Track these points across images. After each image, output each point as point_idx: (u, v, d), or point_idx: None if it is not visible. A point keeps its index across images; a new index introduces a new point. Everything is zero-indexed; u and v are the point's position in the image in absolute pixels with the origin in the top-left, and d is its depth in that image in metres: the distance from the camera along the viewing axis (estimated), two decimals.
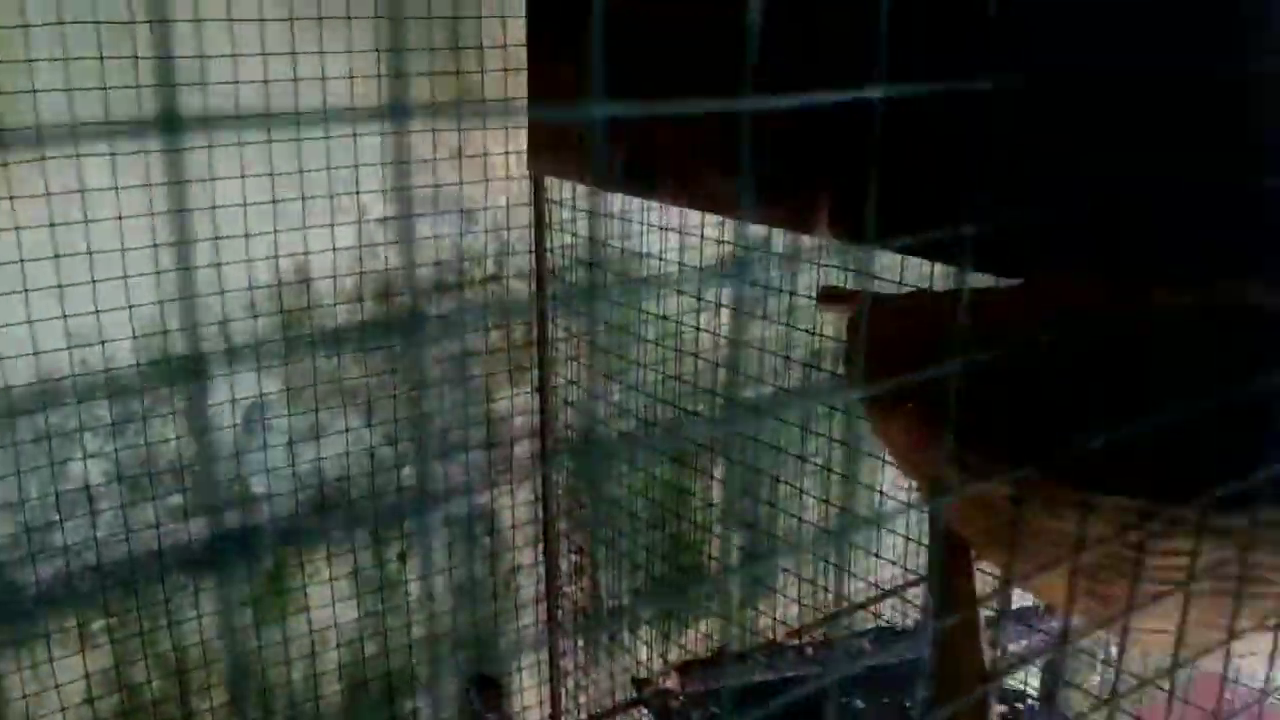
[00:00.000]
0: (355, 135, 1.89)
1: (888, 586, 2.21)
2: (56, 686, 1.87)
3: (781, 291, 2.16)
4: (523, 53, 1.98)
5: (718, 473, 2.55)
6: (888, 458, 0.87)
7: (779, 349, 2.19)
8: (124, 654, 1.93)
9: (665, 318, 2.16)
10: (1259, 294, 0.64)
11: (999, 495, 0.67)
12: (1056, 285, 0.97)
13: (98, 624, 1.91)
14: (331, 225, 1.93)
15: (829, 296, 1.40)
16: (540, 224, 2.05)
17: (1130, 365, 0.71)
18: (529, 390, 2.23)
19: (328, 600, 2.13)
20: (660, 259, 2.21)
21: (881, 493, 2.25)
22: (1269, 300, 0.60)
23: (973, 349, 0.55)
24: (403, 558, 2.18)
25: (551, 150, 1.97)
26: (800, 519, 2.26)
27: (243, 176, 1.82)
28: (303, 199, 1.88)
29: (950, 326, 0.48)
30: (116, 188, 1.72)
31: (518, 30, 1.97)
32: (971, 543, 0.74)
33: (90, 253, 1.72)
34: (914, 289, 1.44)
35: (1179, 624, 0.61)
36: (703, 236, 2.10)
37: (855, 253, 1.68)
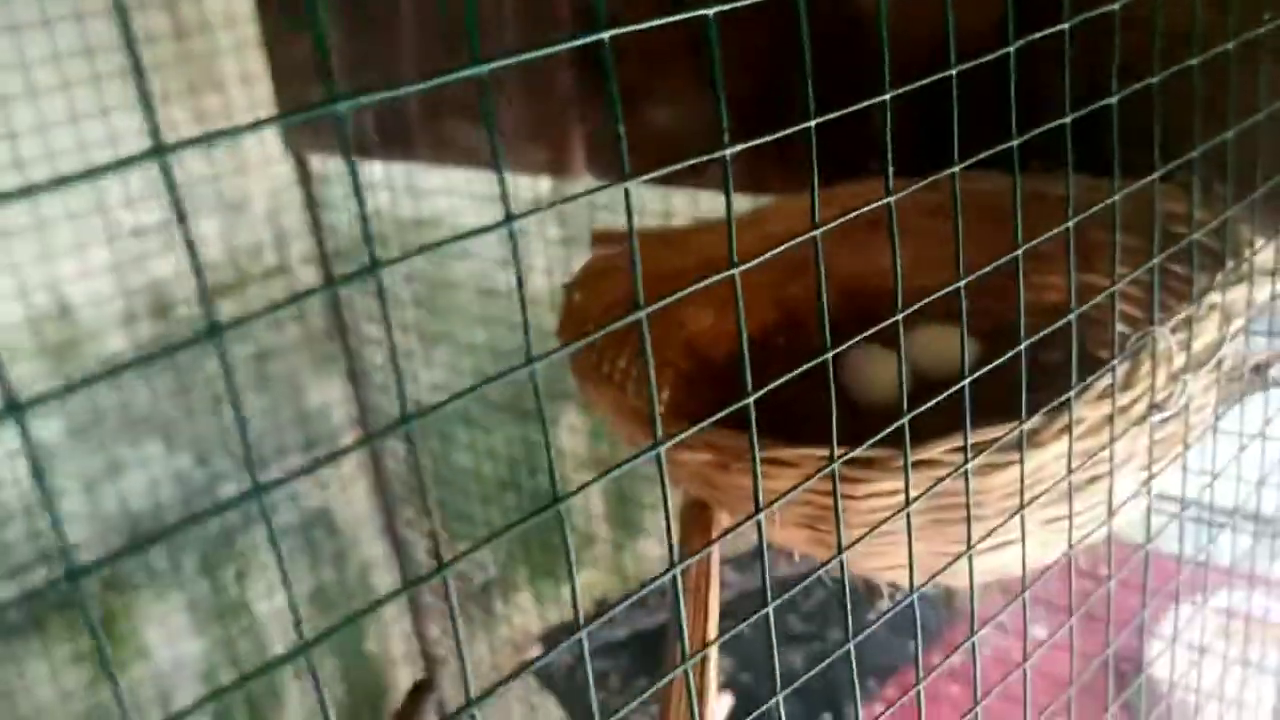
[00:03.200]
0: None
1: None
2: None
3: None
4: (253, 27, 1.84)
5: (565, 420, 2.47)
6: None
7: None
8: None
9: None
10: None
11: (701, 462, 0.60)
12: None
13: None
14: (81, 246, 1.77)
15: (602, 238, 1.32)
16: (313, 204, 1.92)
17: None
18: (341, 379, 2.11)
19: (167, 639, 2.00)
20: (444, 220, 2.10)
21: None
22: None
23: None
24: (239, 577, 2.06)
25: (307, 124, 1.84)
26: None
27: None
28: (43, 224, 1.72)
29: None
30: None
31: (245, 4, 1.83)
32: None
33: None
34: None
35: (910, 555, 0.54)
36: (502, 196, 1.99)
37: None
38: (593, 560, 2.63)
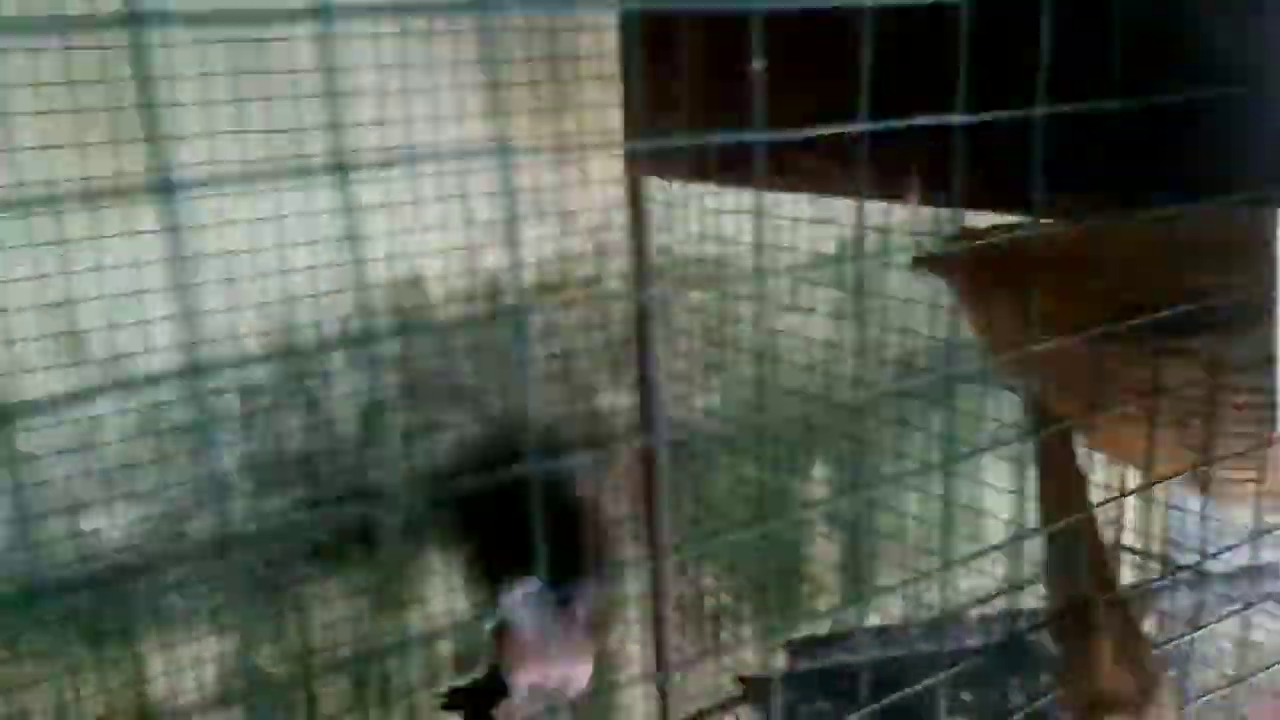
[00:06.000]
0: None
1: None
2: (192, 666, 1.98)
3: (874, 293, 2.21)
4: (615, 60, 2.09)
5: (815, 473, 2.60)
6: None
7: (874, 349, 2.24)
8: (252, 638, 2.04)
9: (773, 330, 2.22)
10: None
11: (1080, 345, 0.72)
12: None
13: (228, 609, 2.02)
14: (443, 228, 2.04)
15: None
16: (638, 223, 2.14)
17: None
18: (630, 387, 2.31)
19: (441, 590, 2.22)
20: (760, 251, 2.28)
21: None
22: None
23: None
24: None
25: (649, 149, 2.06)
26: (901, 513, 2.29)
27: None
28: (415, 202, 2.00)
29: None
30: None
31: (610, 40, 2.08)
32: (1060, 403, 0.79)
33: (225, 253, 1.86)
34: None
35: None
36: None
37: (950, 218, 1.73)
38: (820, 610, 2.74)
